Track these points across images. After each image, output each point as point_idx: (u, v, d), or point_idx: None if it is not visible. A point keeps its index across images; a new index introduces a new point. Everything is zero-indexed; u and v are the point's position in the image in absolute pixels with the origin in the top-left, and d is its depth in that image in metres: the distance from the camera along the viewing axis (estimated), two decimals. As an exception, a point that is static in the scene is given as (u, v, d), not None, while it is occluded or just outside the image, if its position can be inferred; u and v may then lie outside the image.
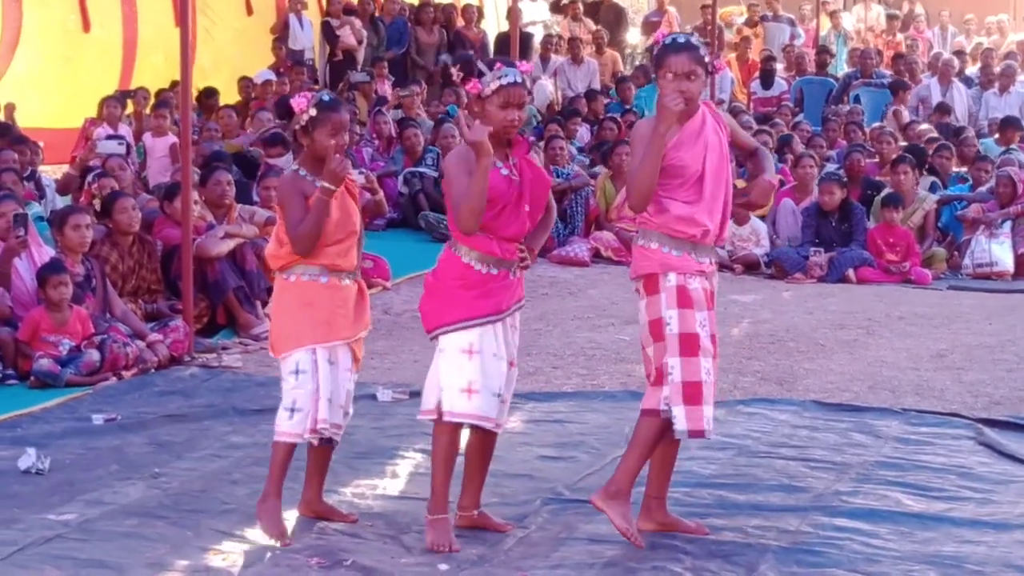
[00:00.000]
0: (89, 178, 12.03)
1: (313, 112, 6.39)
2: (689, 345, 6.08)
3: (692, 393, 6.06)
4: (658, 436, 6.19)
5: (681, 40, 6.21)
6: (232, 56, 19.83)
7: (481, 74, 6.28)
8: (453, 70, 6.50)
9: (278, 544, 6.25)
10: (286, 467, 6.47)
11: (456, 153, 6.27)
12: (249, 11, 20.59)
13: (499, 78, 6.18)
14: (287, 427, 6.41)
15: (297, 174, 6.45)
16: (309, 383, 6.38)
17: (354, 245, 6.49)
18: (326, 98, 6.52)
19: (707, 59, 6.15)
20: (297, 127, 6.52)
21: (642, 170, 6.08)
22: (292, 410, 6.40)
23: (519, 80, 6.20)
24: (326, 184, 6.27)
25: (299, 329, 6.40)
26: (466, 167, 6.11)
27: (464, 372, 6.18)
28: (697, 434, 6.11)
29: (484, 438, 6.40)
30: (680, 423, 6.07)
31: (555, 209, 6.58)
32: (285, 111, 6.56)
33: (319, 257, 6.38)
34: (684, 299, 6.10)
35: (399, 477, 7.35)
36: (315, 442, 6.49)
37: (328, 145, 6.35)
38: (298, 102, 6.46)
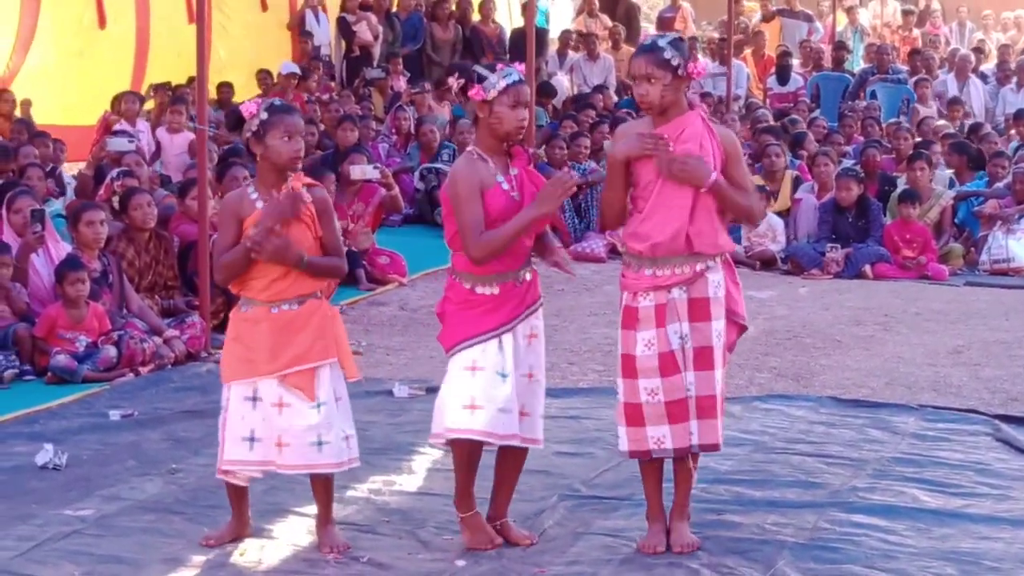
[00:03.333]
0: (113, 174, 12.04)
1: (264, 116, 6.03)
2: (627, 367, 6.08)
3: (632, 414, 6.08)
4: (658, 464, 6.23)
5: (647, 43, 6.17)
6: (247, 52, 19.82)
7: (481, 78, 6.14)
8: (451, 80, 6.29)
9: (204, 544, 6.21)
10: (232, 496, 6.32)
11: (463, 168, 6.12)
12: (264, 7, 20.57)
13: (504, 77, 6.06)
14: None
15: (244, 193, 6.15)
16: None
17: (284, 278, 6.04)
18: (277, 102, 6.22)
19: (676, 62, 6.00)
20: (248, 135, 6.12)
21: (604, 198, 6.29)
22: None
23: (522, 79, 6.10)
24: (250, 246, 5.92)
25: (226, 365, 6.21)
26: (476, 185, 6.03)
27: (467, 388, 6.04)
28: (640, 454, 6.13)
29: (514, 453, 6.27)
30: (623, 443, 6.15)
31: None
32: (236, 121, 6.23)
33: (248, 289, 6.10)
34: (629, 319, 6.09)
35: (416, 473, 7.35)
36: (238, 482, 6.22)
37: (283, 150, 6.01)
38: (248, 107, 6.14)
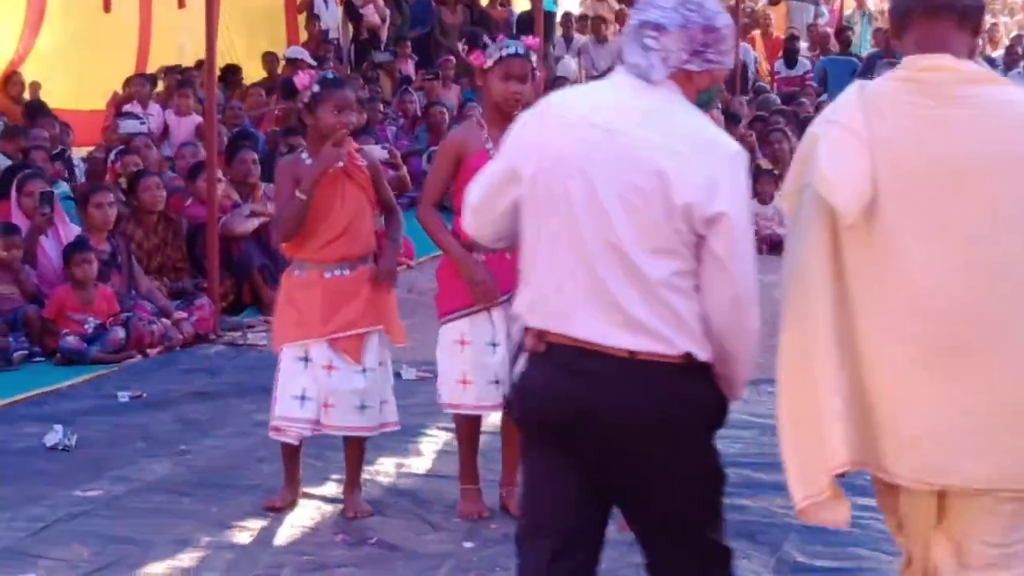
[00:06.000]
0: (111, 156, 12.07)
1: (316, 89, 6.26)
2: None
3: None
4: None
5: None
6: (252, 35, 19.77)
7: (485, 46, 6.29)
8: (460, 45, 6.53)
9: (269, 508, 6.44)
10: (289, 460, 6.52)
11: (453, 133, 6.38)
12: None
13: (500, 49, 6.19)
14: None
15: (298, 157, 6.39)
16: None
17: (341, 238, 6.30)
18: (330, 75, 6.47)
19: None
20: (300, 105, 6.39)
21: None
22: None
23: (521, 52, 6.18)
24: (300, 194, 6.17)
25: (279, 328, 6.44)
26: (453, 154, 6.24)
27: (458, 363, 6.23)
28: None
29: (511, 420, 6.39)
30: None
31: None
32: (289, 91, 6.50)
33: (301, 251, 6.32)
34: None
35: (424, 455, 7.38)
36: (289, 440, 6.41)
37: (332, 122, 6.23)
38: (301, 79, 6.37)
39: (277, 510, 6.41)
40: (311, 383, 6.29)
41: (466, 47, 6.43)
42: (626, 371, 3.80)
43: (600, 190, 3.79)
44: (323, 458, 6.72)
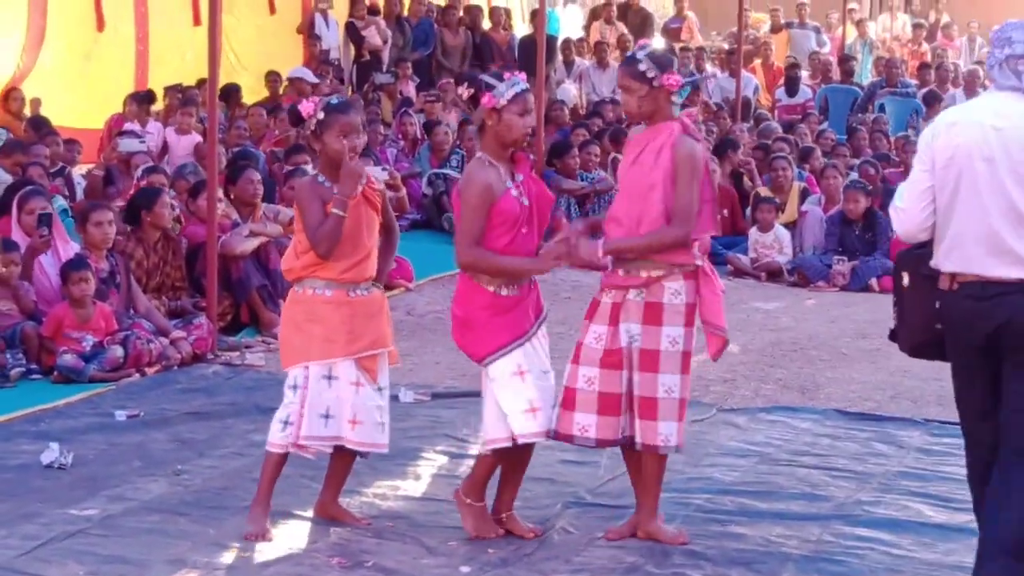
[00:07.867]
0: (138, 173, 12.10)
1: (321, 115, 6.36)
2: (575, 353, 6.33)
3: (567, 398, 6.28)
4: (635, 457, 6.38)
5: (628, 55, 6.42)
6: (256, 55, 19.80)
7: (489, 86, 6.29)
8: (462, 89, 6.55)
9: (256, 541, 6.33)
10: (275, 476, 6.48)
11: (478, 175, 6.26)
12: (272, 10, 20.55)
13: (513, 86, 6.25)
14: (278, 438, 6.44)
15: (315, 179, 6.46)
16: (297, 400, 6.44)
17: (366, 260, 6.45)
18: (334, 101, 6.51)
19: (652, 74, 6.18)
20: (308, 132, 6.50)
21: None
22: (285, 423, 6.42)
23: (529, 87, 6.32)
24: (338, 211, 6.26)
25: (301, 345, 6.43)
26: (487, 195, 6.21)
27: (523, 394, 6.25)
28: (563, 438, 6.31)
29: (526, 445, 6.40)
30: (552, 423, 6.32)
31: None
32: (297, 117, 6.57)
33: (328, 270, 6.37)
34: (590, 311, 6.38)
35: (421, 479, 7.36)
36: (311, 455, 6.55)
37: (338, 148, 6.32)
38: (306, 107, 6.45)
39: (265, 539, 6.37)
40: (335, 401, 6.39)
41: (469, 89, 6.45)
42: (1021, 294, 5.41)
43: (999, 170, 5.43)
44: (319, 480, 6.70)
